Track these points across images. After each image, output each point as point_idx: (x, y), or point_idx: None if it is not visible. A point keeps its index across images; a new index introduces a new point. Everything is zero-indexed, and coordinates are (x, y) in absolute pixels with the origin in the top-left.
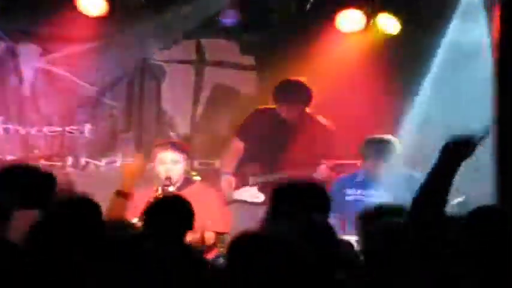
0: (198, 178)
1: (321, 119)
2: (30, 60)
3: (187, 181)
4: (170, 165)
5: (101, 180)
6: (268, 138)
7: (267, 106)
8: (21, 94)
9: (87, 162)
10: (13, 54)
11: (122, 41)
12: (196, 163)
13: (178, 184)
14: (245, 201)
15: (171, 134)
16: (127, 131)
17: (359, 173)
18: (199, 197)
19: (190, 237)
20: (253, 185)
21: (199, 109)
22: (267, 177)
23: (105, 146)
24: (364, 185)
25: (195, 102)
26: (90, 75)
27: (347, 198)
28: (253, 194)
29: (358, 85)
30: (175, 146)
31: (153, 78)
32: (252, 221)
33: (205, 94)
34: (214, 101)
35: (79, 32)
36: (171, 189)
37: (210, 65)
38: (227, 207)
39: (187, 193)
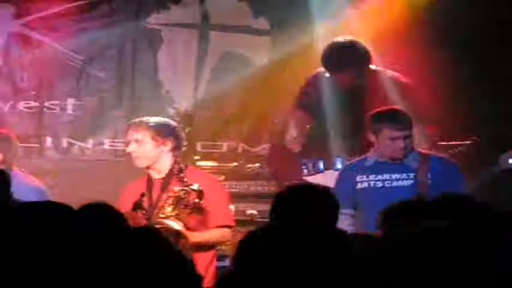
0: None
1: (391, 73)
2: (2, 24)
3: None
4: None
5: (86, 166)
6: (339, 107)
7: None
8: None
9: (71, 144)
10: None
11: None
12: (199, 145)
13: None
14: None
15: (170, 110)
16: (117, 108)
17: (368, 156)
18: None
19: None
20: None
21: (203, 81)
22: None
23: (92, 125)
24: (377, 168)
25: (198, 73)
26: (74, 41)
27: (358, 186)
28: None
29: (392, 50)
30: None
31: (148, 45)
32: None
33: (210, 63)
34: (221, 72)
35: None
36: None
37: (216, 29)
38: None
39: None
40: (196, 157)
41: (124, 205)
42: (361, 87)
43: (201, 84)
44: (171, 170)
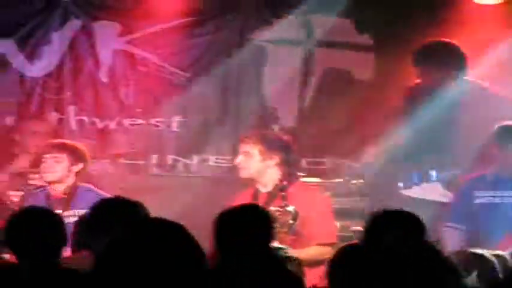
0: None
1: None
2: (108, 41)
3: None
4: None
5: (191, 182)
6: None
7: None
8: (98, 81)
9: (175, 161)
10: (88, 34)
11: (215, 17)
12: (303, 162)
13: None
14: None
15: (274, 127)
16: (222, 124)
17: (488, 172)
18: (299, 201)
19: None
20: (436, 180)
21: (308, 97)
22: (450, 172)
23: (197, 142)
24: (497, 184)
25: (303, 89)
26: (179, 58)
27: (477, 201)
28: (437, 192)
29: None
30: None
31: (252, 62)
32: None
33: (314, 80)
34: (325, 88)
35: (165, 6)
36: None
37: (320, 46)
38: (332, 215)
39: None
40: (302, 173)
41: None
42: (455, 98)
43: (305, 100)
44: (277, 185)
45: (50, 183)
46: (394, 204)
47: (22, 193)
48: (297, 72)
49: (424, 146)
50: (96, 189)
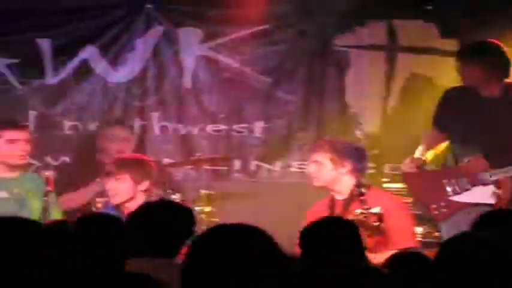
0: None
1: None
2: (192, 47)
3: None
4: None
5: (273, 188)
6: (475, 121)
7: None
8: (181, 87)
9: (259, 167)
10: (172, 40)
11: (298, 22)
12: (386, 167)
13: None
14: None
15: (357, 132)
16: (304, 130)
17: None
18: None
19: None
20: (486, 183)
21: (391, 103)
22: (502, 172)
23: (280, 148)
24: None
25: (386, 95)
26: (262, 64)
27: None
28: (487, 194)
29: None
30: (320, 146)
31: (335, 67)
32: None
33: (398, 85)
34: (408, 94)
35: (248, 12)
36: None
37: (403, 51)
38: (412, 220)
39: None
40: (384, 179)
41: (310, 219)
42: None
43: (388, 105)
44: (352, 192)
45: (117, 205)
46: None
47: (106, 199)
48: (380, 78)
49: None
50: None
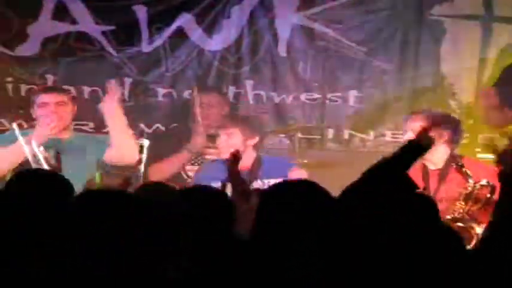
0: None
1: None
2: (287, 16)
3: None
4: None
5: (367, 157)
6: None
7: None
8: (277, 55)
9: (352, 136)
10: (267, 8)
11: None
12: (480, 137)
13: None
14: None
15: (451, 102)
16: (399, 99)
17: None
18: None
19: None
20: None
21: (486, 74)
22: None
23: (374, 117)
24: None
25: (481, 65)
26: (357, 32)
27: None
28: None
29: None
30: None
31: (431, 37)
32: None
33: (493, 56)
34: (503, 64)
35: None
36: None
37: (500, 21)
38: None
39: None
40: (478, 149)
41: None
42: None
43: (484, 76)
44: (447, 162)
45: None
46: None
47: (198, 167)
48: (475, 48)
49: None
50: (284, 159)
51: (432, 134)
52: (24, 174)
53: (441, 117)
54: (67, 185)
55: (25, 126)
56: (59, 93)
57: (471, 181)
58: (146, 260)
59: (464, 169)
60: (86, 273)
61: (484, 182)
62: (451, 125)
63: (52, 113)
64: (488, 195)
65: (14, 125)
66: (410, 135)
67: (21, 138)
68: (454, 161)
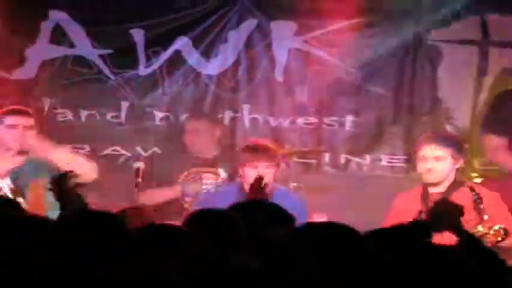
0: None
1: None
2: (284, 40)
3: (459, 183)
4: (432, 162)
5: (363, 181)
6: None
7: None
8: (273, 80)
9: (348, 161)
10: (265, 33)
11: (390, 16)
12: (476, 162)
13: (446, 185)
14: None
15: (448, 127)
16: (395, 124)
17: None
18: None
19: None
20: None
21: (482, 98)
22: None
23: (370, 141)
24: None
25: (477, 90)
26: (354, 57)
27: None
28: None
29: None
30: (441, 140)
31: (427, 62)
32: None
33: (489, 81)
34: (499, 89)
35: (341, 5)
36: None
37: (496, 46)
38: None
39: (456, 197)
40: (474, 174)
41: (398, 211)
42: None
43: (480, 101)
44: (451, 186)
45: None
46: None
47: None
48: (472, 73)
49: None
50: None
51: (455, 160)
52: None
53: (461, 143)
54: None
55: None
56: (30, 117)
57: (485, 217)
58: (147, 261)
59: (482, 205)
60: (86, 274)
61: (497, 227)
62: (465, 150)
63: (20, 137)
64: (500, 239)
65: None
66: (432, 163)
67: None
68: (472, 194)
